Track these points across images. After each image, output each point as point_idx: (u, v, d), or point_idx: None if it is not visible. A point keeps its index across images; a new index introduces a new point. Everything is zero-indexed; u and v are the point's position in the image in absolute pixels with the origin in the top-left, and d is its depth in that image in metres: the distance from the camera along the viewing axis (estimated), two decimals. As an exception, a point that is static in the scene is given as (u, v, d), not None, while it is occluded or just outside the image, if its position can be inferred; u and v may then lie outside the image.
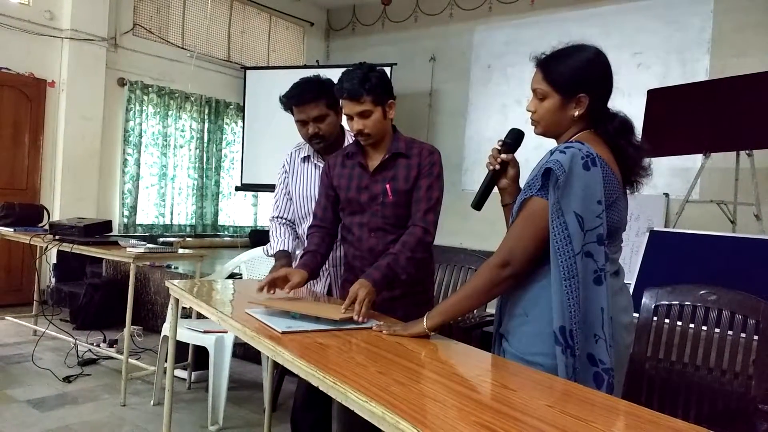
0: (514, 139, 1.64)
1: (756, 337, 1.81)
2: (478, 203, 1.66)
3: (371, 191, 2.00)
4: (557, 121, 1.50)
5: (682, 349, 1.93)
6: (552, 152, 1.43)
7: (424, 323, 1.55)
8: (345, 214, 2.08)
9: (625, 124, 1.50)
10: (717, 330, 1.88)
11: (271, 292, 1.98)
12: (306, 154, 2.39)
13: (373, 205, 2.00)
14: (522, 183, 1.59)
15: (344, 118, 2.21)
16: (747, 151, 4.42)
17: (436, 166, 1.99)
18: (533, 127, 1.56)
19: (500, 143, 1.65)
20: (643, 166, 1.49)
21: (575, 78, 1.46)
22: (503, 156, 1.63)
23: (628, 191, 1.51)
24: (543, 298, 1.41)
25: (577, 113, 1.47)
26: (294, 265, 2.21)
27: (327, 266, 2.27)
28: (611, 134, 1.47)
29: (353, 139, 2.34)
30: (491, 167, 1.64)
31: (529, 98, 1.54)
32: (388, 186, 1.98)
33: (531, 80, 1.53)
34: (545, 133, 1.55)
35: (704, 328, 1.90)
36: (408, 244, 1.90)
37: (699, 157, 4.65)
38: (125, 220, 6.33)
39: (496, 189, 1.67)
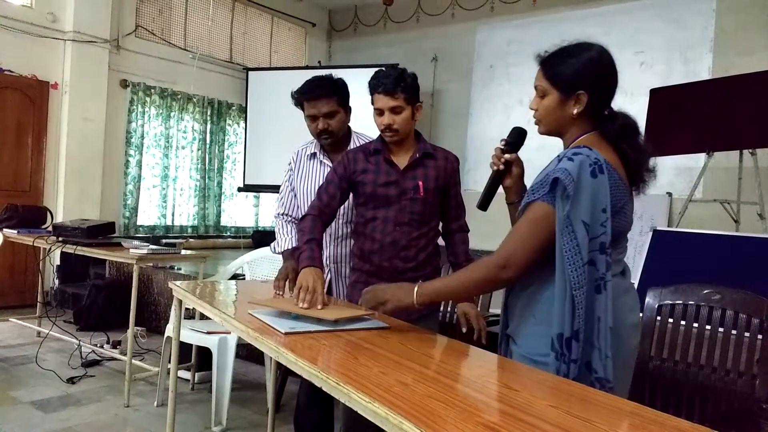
0: (516, 137, 1.63)
1: (760, 337, 1.81)
2: (483, 203, 1.65)
3: (401, 186, 2.05)
4: (557, 119, 1.49)
5: (685, 349, 1.92)
6: (560, 158, 1.41)
7: (414, 298, 1.55)
8: (367, 208, 2.09)
9: (627, 126, 1.47)
10: (721, 329, 1.88)
11: (280, 293, 2.00)
12: (313, 151, 2.40)
13: (402, 200, 2.05)
14: (527, 182, 1.58)
15: (348, 117, 2.28)
16: (750, 150, 4.41)
17: (458, 173, 2.18)
18: (536, 125, 1.55)
19: (503, 143, 1.64)
20: (648, 168, 1.47)
21: (574, 75, 1.45)
22: (506, 156, 1.61)
23: (633, 193, 1.50)
24: (552, 302, 1.39)
25: (576, 111, 1.46)
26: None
27: (327, 263, 2.28)
28: (612, 136, 1.45)
29: (359, 140, 2.35)
30: (495, 167, 1.63)
31: (532, 97, 1.54)
32: (420, 183, 2.05)
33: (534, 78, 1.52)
34: (547, 132, 1.54)
35: (708, 327, 1.90)
36: (468, 251, 2.19)
37: (702, 156, 4.64)
38: (126, 221, 6.34)
39: (500, 188, 1.67)
